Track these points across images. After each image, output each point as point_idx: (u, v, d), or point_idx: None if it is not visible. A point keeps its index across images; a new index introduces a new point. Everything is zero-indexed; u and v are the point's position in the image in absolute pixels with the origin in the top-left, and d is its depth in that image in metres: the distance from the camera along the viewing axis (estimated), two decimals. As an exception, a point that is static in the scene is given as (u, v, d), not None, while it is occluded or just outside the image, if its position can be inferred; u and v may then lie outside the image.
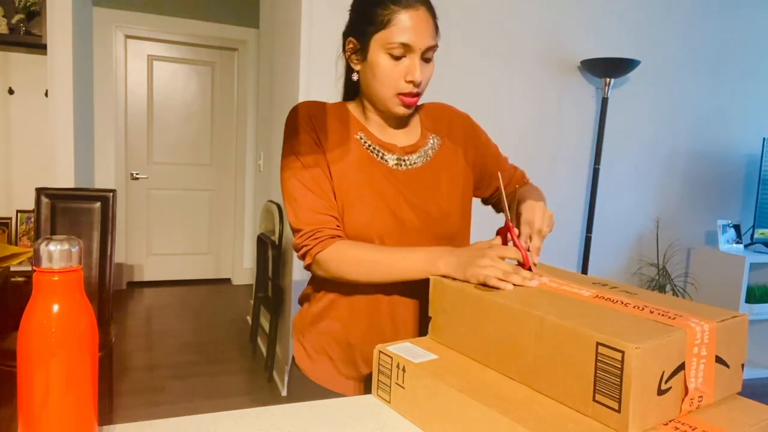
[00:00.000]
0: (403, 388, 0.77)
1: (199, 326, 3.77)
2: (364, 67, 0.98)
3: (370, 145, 1.02)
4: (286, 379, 2.77)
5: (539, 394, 0.68)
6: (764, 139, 3.28)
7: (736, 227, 3.36)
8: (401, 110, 0.99)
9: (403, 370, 0.77)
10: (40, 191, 2.33)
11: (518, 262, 0.87)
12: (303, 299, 1.12)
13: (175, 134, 4.64)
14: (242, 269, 4.89)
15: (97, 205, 2.37)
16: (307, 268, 0.99)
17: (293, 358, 1.10)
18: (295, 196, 0.98)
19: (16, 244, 3.20)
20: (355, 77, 1.02)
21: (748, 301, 3.23)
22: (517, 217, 0.94)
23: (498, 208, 1.19)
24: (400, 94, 0.96)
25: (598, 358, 0.61)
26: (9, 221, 3.23)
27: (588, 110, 3.07)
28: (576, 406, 0.64)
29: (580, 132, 3.07)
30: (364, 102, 1.04)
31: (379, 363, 0.82)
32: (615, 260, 3.26)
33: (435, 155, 1.06)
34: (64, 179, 2.85)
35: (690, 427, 0.61)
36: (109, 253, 2.35)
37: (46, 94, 2.87)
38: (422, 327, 0.99)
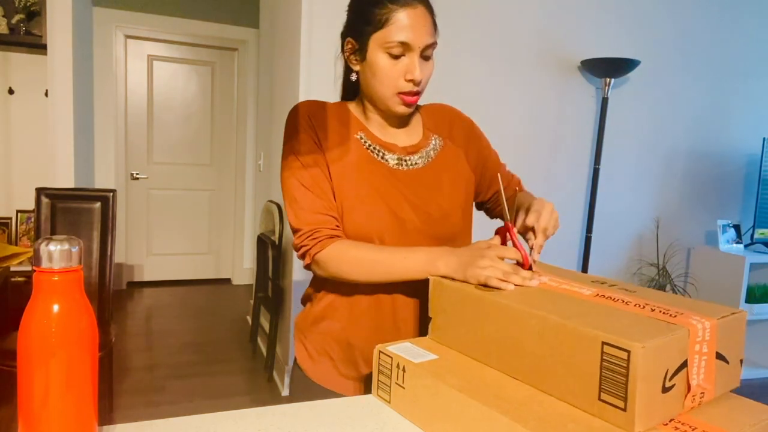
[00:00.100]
0: (403, 388, 0.77)
1: (199, 326, 3.77)
2: (364, 67, 0.98)
3: (370, 145, 1.02)
4: (286, 379, 2.77)
5: (540, 394, 0.68)
6: (764, 139, 3.28)
7: (736, 227, 3.36)
8: (402, 109, 0.99)
9: (403, 370, 0.77)
10: (40, 191, 2.33)
11: (517, 262, 0.87)
12: (305, 299, 1.12)
13: (175, 134, 4.64)
14: (242, 269, 4.89)
15: (97, 205, 2.37)
16: (307, 267, 0.99)
17: (295, 358, 1.10)
18: (295, 196, 0.98)
19: (16, 244, 3.20)
20: (353, 77, 1.02)
21: (748, 301, 3.22)
22: (519, 214, 0.94)
23: (491, 214, 1.19)
24: (400, 93, 0.96)
25: (604, 357, 0.61)
26: (9, 221, 3.24)
27: (588, 110, 3.07)
28: (580, 405, 0.64)
29: (580, 132, 3.07)
30: (365, 102, 1.04)
31: (379, 363, 0.82)
32: (615, 260, 3.26)
33: (437, 156, 1.05)
34: (64, 179, 2.85)
35: (690, 427, 0.61)
36: (109, 253, 2.35)
37: (46, 94, 2.86)
38: (423, 327, 0.99)
